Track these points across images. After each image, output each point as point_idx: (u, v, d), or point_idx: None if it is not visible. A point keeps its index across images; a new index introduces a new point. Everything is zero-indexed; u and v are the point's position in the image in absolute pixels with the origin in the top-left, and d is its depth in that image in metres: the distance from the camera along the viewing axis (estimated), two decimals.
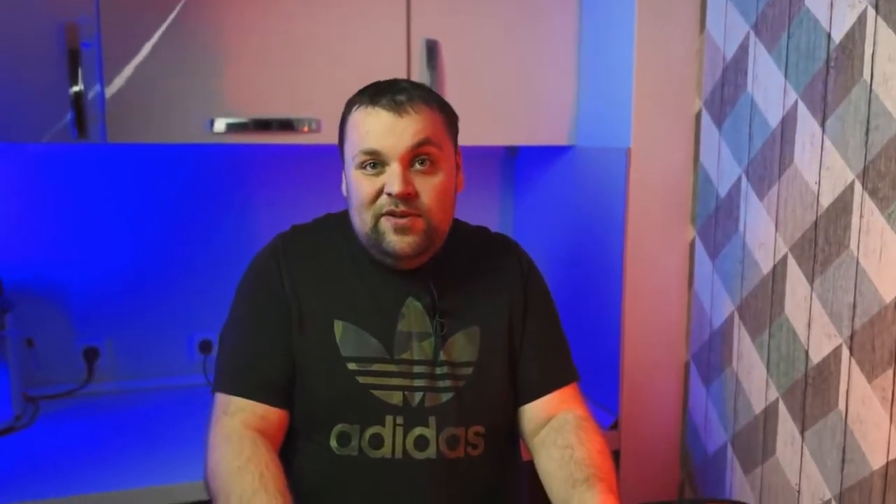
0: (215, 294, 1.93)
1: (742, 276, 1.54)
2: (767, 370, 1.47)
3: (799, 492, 1.39)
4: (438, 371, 1.10)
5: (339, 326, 1.10)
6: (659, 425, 1.75)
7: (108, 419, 1.74)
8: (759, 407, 1.50)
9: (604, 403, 1.76)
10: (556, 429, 1.12)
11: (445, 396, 1.10)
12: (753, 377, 1.52)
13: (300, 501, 1.03)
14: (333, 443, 1.08)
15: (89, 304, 1.89)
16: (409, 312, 1.12)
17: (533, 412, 1.17)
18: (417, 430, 1.08)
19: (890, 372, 1.19)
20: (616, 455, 1.72)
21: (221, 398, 1.08)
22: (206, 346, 1.97)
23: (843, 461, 1.29)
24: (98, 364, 1.90)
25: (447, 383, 1.10)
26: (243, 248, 1.59)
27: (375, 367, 1.09)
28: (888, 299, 1.19)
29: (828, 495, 1.33)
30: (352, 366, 1.09)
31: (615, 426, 1.71)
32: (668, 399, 1.75)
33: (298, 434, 1.11)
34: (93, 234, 1.88)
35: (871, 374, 1.22)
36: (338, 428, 1.08)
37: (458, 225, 1.20)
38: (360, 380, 1.08)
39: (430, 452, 1.08)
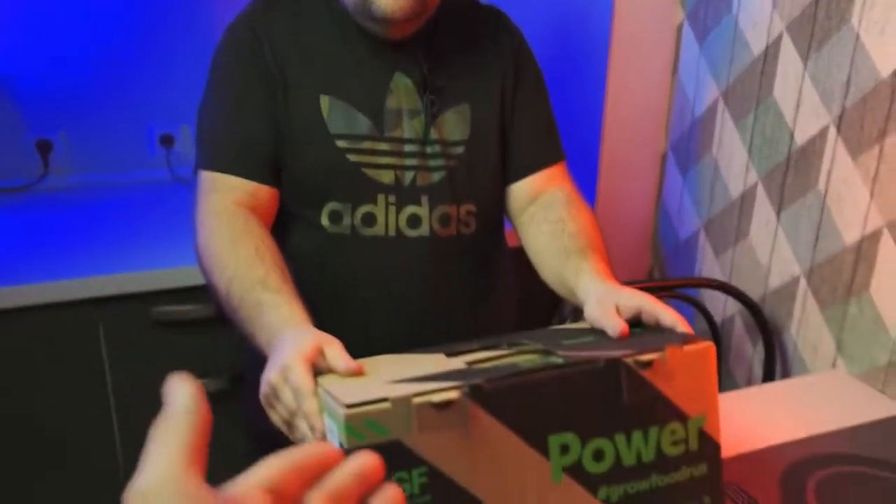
0: (176, 84, 1.83)
1: (731, 59, 1.50)
2: (749, 154, 1.48)
3: (769, 270, 1.45)
4: (429, 150, 1.06)
5: (325, 101, 1.03)
6: (633, 213, 1.78)
7: (71, 212, 1.68)
8: (736, 191, 1.52)
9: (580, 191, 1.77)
10: (545, 205, 1.11)
11: (437, 175, 1.07)
12: (733, 162, 1.52)
13: (297, 274, 1.02)
14: (325, 221, 1.06)
15: (39, 94, 1.76)
16: (398, 88, 1.06)
17: (521, 190, 1.15)
18: (410, 209, 1.06)
19: (876, 149, 1.20)
20: None
21: (207, 176, 1.03)
22: (167, 140, 1.88)
23: (816, 238, 1.33)
24: (52, 157, 1.80)
25: (439, 162, 1.07)
26: (206, 34, 1.48)
27: (365, 144, 1.04)
28: (885, 74, 1.17)
29: (797, 272, 1.38)
30: (341, 143, 1.03)
31: None
32: (643, 188, 1.76)
33: (289, 213, 1.08)
34: (41, 15, 1.71)
35: (856, 152, 1.23)
36: (329, 206, 1.05)
37: None
38: (351, 158, 1.04)
39: (423, 230, 1.07)
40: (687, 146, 1.66)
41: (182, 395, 0.36)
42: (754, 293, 1.49)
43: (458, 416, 0.64)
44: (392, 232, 1.06)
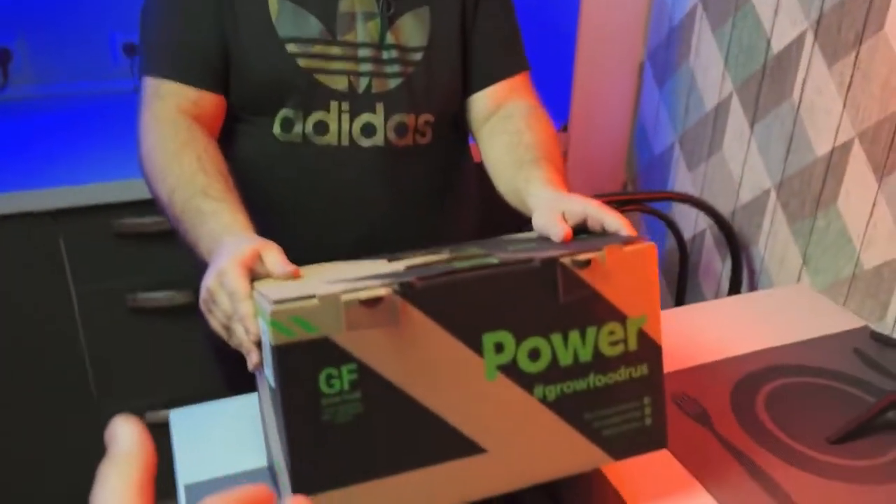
0: None
1: None
2: (725, 64, 1.43)
3: (740, 184, 1.43)
4: (386, 55, 1.02)
5: (273, 3, 0.99)
6: (608, 129, 1.74)
7: (32, 123, 1.64)
8: (711, 103, 1.48)
9: (553, 106, 1.72)
10: (505, 117, 1.08)
11: (394, 82, 1.03)
12: (710, 72, 1.48)
13: (243, 189, 0.99)
14: (277, 129, 1.02)
15: None
16: None
17: (482, 101, 1.11)
18: (364, 117, 1.02)
19: (852, 56, 1.15)
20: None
21: (151, 82, 0.99)
22: (131, 49, 1.81)
23: (788, 151, 1.30)
24: (12, 66, 1.74)
25: (395, 69, 1.03)
26: None
27: (316, 48, 0.99)
28: None
29: (768, 185, 1.36)
30: (291, 48, 0.99)
31: (564, 129, 1.69)
32: (619, 101, 1.72)
33: (239, 120, 1.05)
34: None
35: (832, 59, 1.19)
36: (281, 113, 1.02)
37: None
38: (301, 63, 0.99)
39: (378, 140, 1.03)
40: (664, 56, 1.61)
41: (126, 435, 0.36)
42: (725, 207, 1.47)
43: (388, 313, 0.63)
44: (345, 141, 1.03)
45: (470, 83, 1.11)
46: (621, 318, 0.71)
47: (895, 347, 1.10)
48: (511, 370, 0.68)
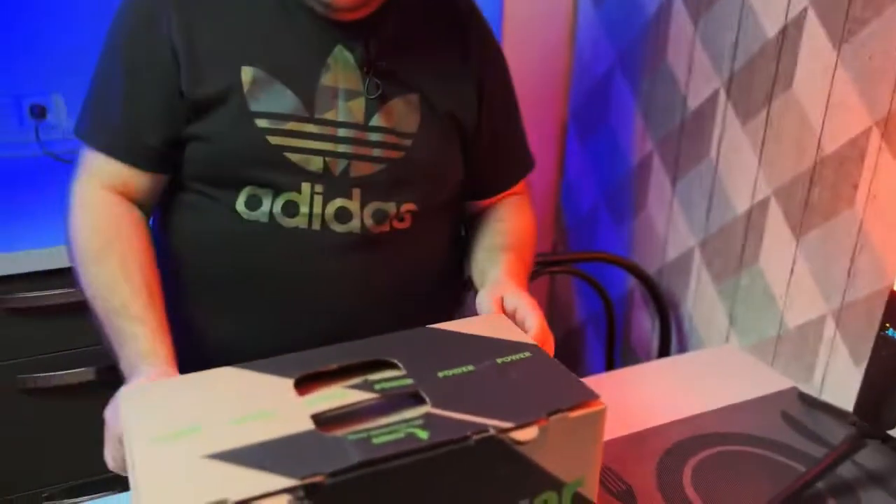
0: (49, 48, 1.68)
1: (626, 20, 1.43)
2: (645, 121, 1.42)
3: (666, 242, 1.40)
4: (372, 138, 0.93)
5: (247, 73, 0.89)
6: (533, 187, 1.71)
7: None
8: (633, 161, 1.47)
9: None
10: (495, 206, 1.09)
11: (376, 167, 0.94)
12: (630, 130, 1.46)
13: (194, 265, 0.95)
14: (241, 206, 0.93)
15: None
16: (337, 64, 0.92)
17: (484, 201, 1.09)
18: (339, 202, 0.93)
19: (763, 114, 1.15)
20: None
21: (85, 150, 0.95)
22: (39, 112, 1.73)
23: (708, 209, 1.29)
24: None
25: (379, 153, 0.94)
26: None
27: (290, 125, 0.90)
28: (771, 34, 1.11)
29: (692, 243, 1.34)
30: (262, 123, 0.89)
31: None
32: (544, 159, 1.69)
33: (203, 192, 0.95)
34: None
35: (745, 117, 1.18)
36: (246, 190, 0.92)
37: None
38: (272, 140, 0.90)
39: (353, 226, 0.94)
40: (587, 114, 1.60)
41: None
42: (652, 266, 1.44)
43: None
44: (317, 225, 0.93)
45: (479, 190, 1.07)
46: (558, 487, 0.63)
47: (822, 409, 1.07)
48: None
